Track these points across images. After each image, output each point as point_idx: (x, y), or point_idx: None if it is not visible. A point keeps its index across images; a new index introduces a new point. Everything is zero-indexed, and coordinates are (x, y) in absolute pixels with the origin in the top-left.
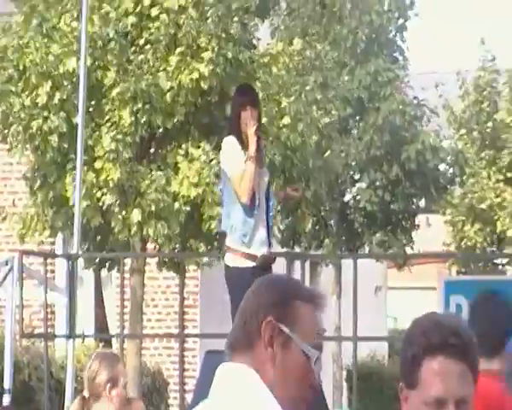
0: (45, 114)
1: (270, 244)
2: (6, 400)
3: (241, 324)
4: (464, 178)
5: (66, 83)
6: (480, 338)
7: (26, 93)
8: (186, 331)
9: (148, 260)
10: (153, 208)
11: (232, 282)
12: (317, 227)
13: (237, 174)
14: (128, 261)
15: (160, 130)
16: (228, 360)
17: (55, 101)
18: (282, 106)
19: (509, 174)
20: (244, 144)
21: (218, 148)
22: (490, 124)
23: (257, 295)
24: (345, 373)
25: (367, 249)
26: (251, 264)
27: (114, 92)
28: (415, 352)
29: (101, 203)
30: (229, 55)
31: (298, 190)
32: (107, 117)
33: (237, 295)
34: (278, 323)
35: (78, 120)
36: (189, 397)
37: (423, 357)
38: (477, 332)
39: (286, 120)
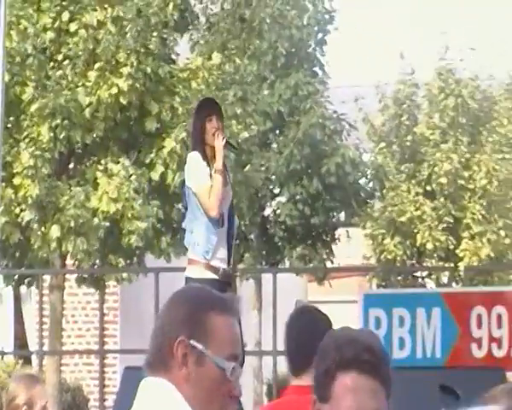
0: None
1: (229, 263)
2: None
3: (155, 344)
4: (384, 191)
5: None
6: (289, 354)
7: None
8: (106, 347)
9: (67, 276)
10: (72, 224)
11: None
12: (237, 241)
13: (204, 188)
14: (47, 278)
15: (79, 145)
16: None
17: None
18: None
19: (428, 187)
20: (208, 158)
21: (137, 163)
22: (409, 137)
23: (169, 312)
24: (265, 388)
25: (287, 263)
26: (213, 276)
27: (33, 108)
28: (328, 366)
29: (20, 219)
30: (149, 70)
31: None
32: (25, 133)
33: None
34: (191, 340)
35: None
36: None
37: (336, 372)
38: (286, 348)
39: None
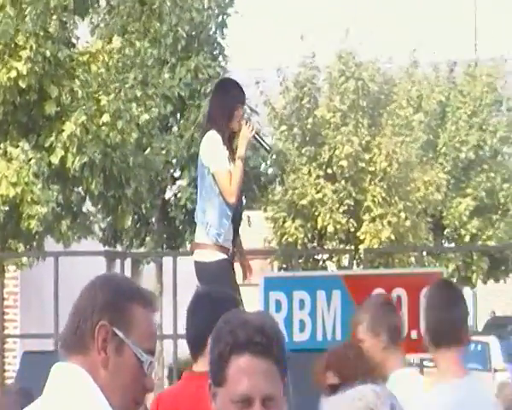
0: None
1: (234, 245)
2: None
3: (74, 324)
4: (285, 175)
5: None
6: (187, 339)
7: None
8: (6, 332)
9: None
10: None
11: (210, 276)
12: (138, 225)
13: (224, 171)
14: None
15: None
16: (62, 360)
17: None
18: (102, 104)
19: (329, 170)
20: (226, 142)
21: (36, 147)
22: (310, 120)
23: (91, 295)
24: (166, 371)
25: (188, 247)
26: (224, 256)
27: None
28: (221, 350)
29: None
30: (48, 53)
31: (249, 275)
32: None
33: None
34: (112, 326)
35: None
36: None
37: (230, 355)
38: (185, 333)
39: (105, 118)
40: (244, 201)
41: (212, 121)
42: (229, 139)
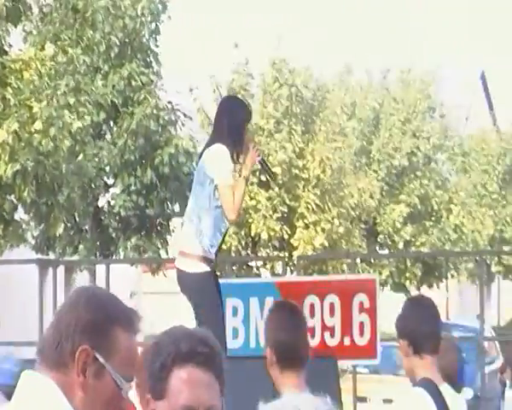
0: None
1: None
2: None
3: (55, 340)
4: None
5: None
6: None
7: None
8: None
9: None
10: None
11: (194, 288)
12: (71, 232)
13: (228, 185)
14: None
15: None
16: (37, 368)
17: None
18: (34, 111)
19: (262, 177)
20: (232, 159)
21: None
22: None
23: (75, 312)
24: None
25: (122, 254)
26: (207, 268)
27: None
28: (164, 361)
29: None
30: None
31: None
32: None
33: (205, 300)
34: (94, 351)
35: None
36: None
37: (172, 366)
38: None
39: (38, 125)
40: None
41: (220, 138)
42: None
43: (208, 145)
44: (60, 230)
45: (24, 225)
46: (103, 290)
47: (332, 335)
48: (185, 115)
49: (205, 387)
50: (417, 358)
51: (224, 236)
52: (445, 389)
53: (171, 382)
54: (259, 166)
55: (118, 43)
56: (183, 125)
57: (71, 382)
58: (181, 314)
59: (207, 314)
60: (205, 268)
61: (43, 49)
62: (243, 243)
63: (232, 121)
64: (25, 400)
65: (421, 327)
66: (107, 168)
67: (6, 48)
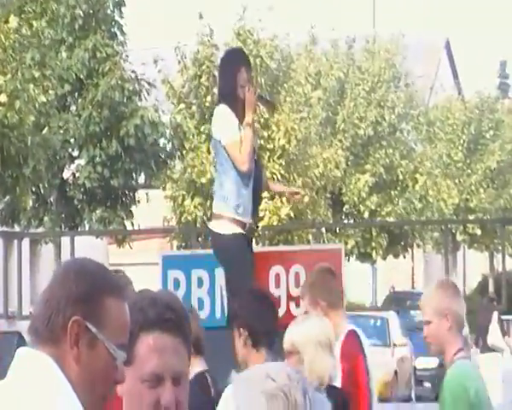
0: None
1: (254, 218)
2: None
3: (46, 315)
4: (184, 152)
5: None
6: None
7: None
8: None
9: None
10: None
11: (225, 249)
12: (36, 205)
13: (234, 141)
14: None
15: None
16: (32, 347)
17: None
18: None
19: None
20: (238, 111)
21: None
22: (209, 98)
23: (65, 286)
24: None
25: (87, 226)
26: (240, 230)
27: None
28: (131, 328)
29: None
30: None
31: (298, 196)
32: None
33: (232, 262)
34: (85, 321)
35: None
36: None
37: (139, 333)
38: None
39: (2, 98)
40: (263, 172)
41: (221, 96)
42: (243, 109)
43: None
44: (28, 202)
45: None
46: (91, 261)
47: (297, 305)
48: (149, 84)
49: (172, 353)
50: (254, 351)
51: (259, 188)
52: None
53: (138, 349)
54: (260, 104)
55: (82, 15)
56: (148, 93)
57: (65, 355)
58: (147, 285)
59: (233, 275)
60: (236, 230)
61: (7, 21)
62: (209, 214)
63: (224, 74)
64: (21, 376)
65: (260, 322)
66: (72, 140)
67: None
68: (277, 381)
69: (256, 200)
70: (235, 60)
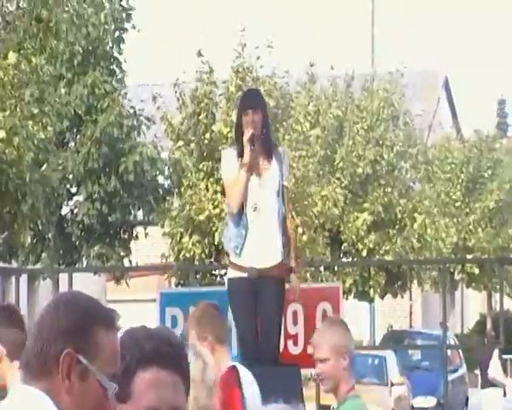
0: None
1: (284, 253)
2: None
3: (37, 349)
4: (182, 189)
5: None
6: None
7: None
8: None
9: None
10: None
11: (229, 294)
12: (34, 241)
13: (227, 184)
14: None
15: None
16: (23, 381)
17: None
18: None
19: None
20: (245, 153)
21: None
22: (207, 135)
23: (55, 319)
24: None
25: (85, 262)
26: (243, 274)
27: None
28: (127, 363)
29: None
30: None
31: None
32: None
33: (234, 307)
34: (77, 354)
35: None
36: None
37: (136, 368)
38: None
39: (1, 134)
40: (282, 209)
41: (234, 135)
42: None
43: None
44: (27, 238)
45: None
46: (81, 293)
47: (295, 343)
48: (148, 120)
49: (169, 387)
50: None
51: (279, 227)
52: None
53: (136, 384)
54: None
55: (81, 51)
56: (147, 128)
57: (57, 388)
58: (145, 322)
59: (234, 318)
60: (232, 273)
61: (6, 57)
62: (207, 251)
63: (236, 120)
64: None
65: None
66: (71, 177)
67: None
68: None
69: (281, 235)
70: (243, 102)
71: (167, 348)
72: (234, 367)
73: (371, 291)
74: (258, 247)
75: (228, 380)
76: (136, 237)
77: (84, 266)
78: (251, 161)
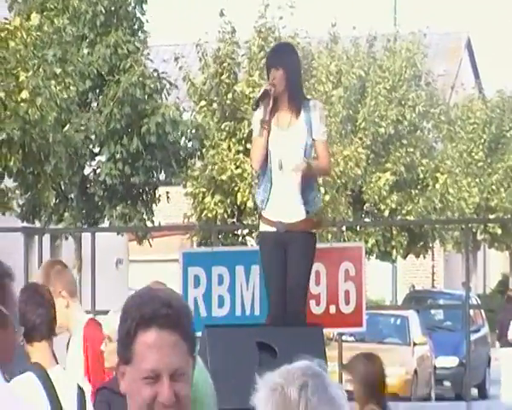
0: None
1: (307, 210)
2: None
3: None
4: (204, 150)
5: None
6: None
7: None
8: None
9: None
10: None
11: (260, 247)
12: (57, 201)
13: (254, 139)
14: None
15: None
16: None
17: None
18: (20, 80)
19: (248, 145)
20: (273, 108)
21: None
22: (229, 96)
23: None
24: None
25: (107, 223)
26: (271, 228)
27: None
28: (129, 326)
29: None
30: None
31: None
32: None
33: (264, 260)
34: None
35: None
36: None
37: (137, 330)
38: None
39: (24, 95)
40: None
41: None
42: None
43: None
44: (51, 198)
45: (10, 194)
46: None
47: (318, 303)
48: (171, 84)
49: (170, 349)
50: (29, 346)
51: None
52: (56, 370)
53: (136, 347)
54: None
55: (104, 12)
56: (168, 93)
57: None
58: (166, 282)
59: (264, 271)
60: (265, 228)
61: (28, 18)
62: (229, 211)
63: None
64: None
65: (32, 317)
66: (93, 137)
67: None
68: (279, 375)
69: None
70: (266, 59)
71: (166, 310)
72: (94, 320)
73: (393, 251)
74: (284, 202)
75: (94, 334)
76: (159, 199)
77: (107, 226)
78: (267, 117)
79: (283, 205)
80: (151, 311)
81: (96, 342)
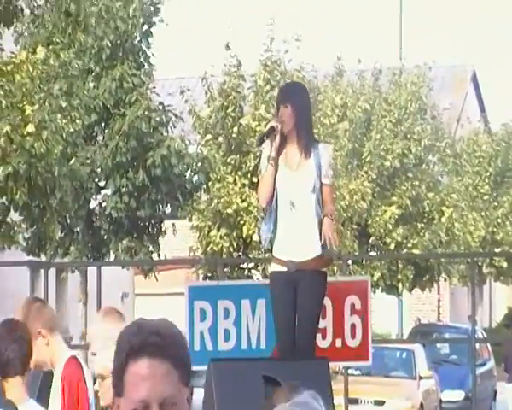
0: None
1: (323, 247)
2: None
3: None
4: (210, 183)
5: None
6: None
7: None
8: None
9: None
10: None
11: (270, 286)
12: (63, 234)
13: (261, 177)
14: None
15: None
16: None
17: None
18: (26, 114)
19: (254, 179)
20: (281, 146)
21: None
22: (235, 129)
23: None
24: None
25: (113, 256)
26: (281, 268)
27: None
28: (121, 359)
29: None
30: None
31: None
32: None
33: (274, 299)
34: None
35: None
36: None
37: (127, 361)
38: None
39: (30, 128)
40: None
41: None
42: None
43: None
44: (57, 231)
45: (16, 227)
46: None
47: (324, 337)
48: (176, 116)
49: (159, 378)
50: (4, 381)
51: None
52: (29, 406)
53: (127, 377)
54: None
55: (109, 45)
56: (174, 126)
57: None
58: (172, 316)
59: (273, 311)
60: (272, 267)
61: (34, 52)
62: (235, 244)
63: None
64: None
65: (5, 352)
66: (99, 170)
67: None
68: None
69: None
70: (277, 96)
71: (154, 338)
72: (75, 358)
73: (399, 285)
74: (296, 241)
75: (73, 372)
76: (165, 232)
77: (113, 259)
78: (274, 154)
79: (294, 243)
80: (139, 341)
81: (74, 381)
